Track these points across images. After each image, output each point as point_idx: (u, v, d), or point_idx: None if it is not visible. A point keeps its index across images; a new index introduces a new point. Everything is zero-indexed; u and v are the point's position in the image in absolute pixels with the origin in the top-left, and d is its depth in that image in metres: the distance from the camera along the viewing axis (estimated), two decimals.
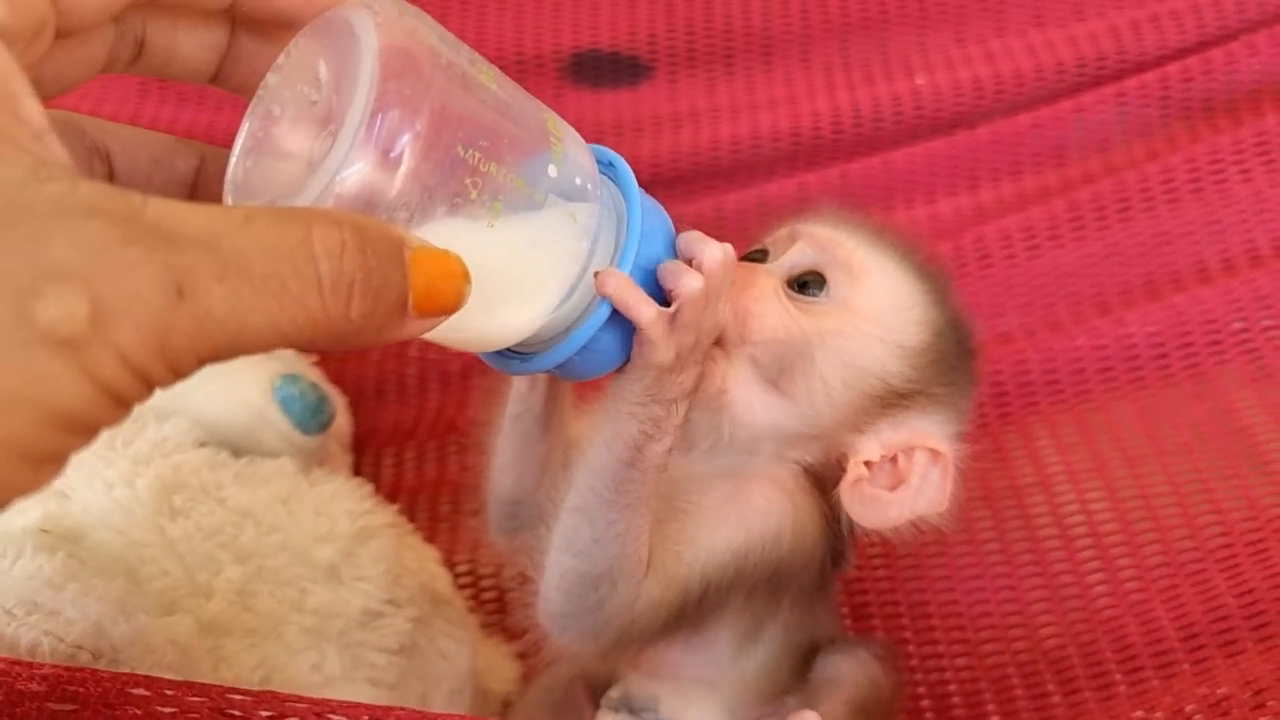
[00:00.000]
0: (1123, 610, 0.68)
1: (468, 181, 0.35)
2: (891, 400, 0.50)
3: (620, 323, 0.41)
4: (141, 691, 0.36)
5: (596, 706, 0.58)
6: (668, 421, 0.44)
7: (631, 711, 0.57)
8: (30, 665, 0.36)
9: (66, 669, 0.37)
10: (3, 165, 0.26)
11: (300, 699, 0.37)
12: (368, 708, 0.37)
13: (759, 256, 0.53)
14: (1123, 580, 0.69)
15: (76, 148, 0.36)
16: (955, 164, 0.88)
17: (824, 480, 0.52)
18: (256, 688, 0.54)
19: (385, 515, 0.64)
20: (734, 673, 0.55)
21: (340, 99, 0.33)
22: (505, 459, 0.53)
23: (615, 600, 0.47)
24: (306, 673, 0.58)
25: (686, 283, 0.41)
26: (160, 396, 0.65)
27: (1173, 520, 0.70)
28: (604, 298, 0.40)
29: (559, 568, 0.47)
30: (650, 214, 0.42)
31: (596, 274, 0.40)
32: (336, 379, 0.78)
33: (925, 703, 0.69)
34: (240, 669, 0.56)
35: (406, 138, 0.33)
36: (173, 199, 0.28)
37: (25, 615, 0.49)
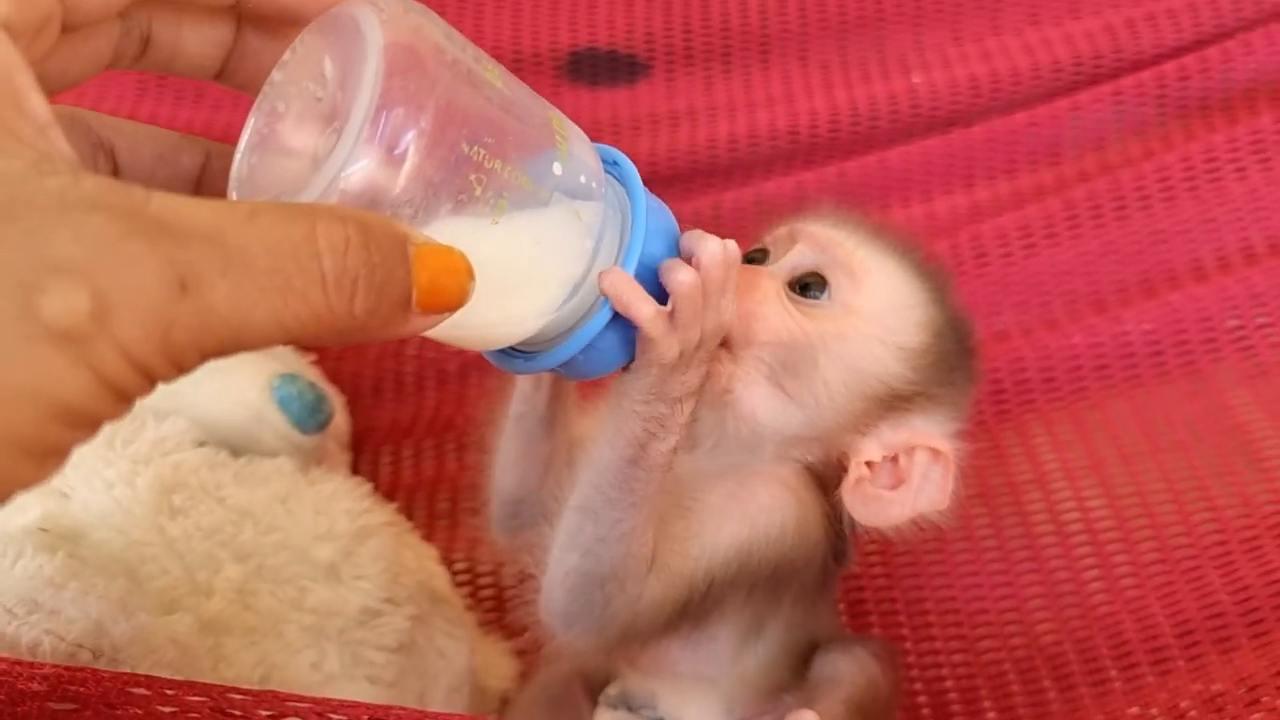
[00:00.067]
0: (1119, 607, 0.68)
1: (472, 178, 0.35)
2: (893, 402, 0.50)
3: (624, 321, 0.41)
4: (142, 691, 0.36)
5: (594, 704, 0.59)
6: (672, 420, 0.44)
7: (630, 709, 0.58)
8: (31, 665, 0.36)
9: (67, 669, 0.37)
10: (6, 158, 0.26)
11: (301, 698, 0.37)
12: (368, 707, 0.37)
13: (759, 256, 0.53)
14: (1119, 577, 0.69)
15: (81, 143, 0.36)
16: (952, 162, 0.88)
17: (825, 479, 0.52)
18: (256, 686, 0.55)
19: (384, 514, 0.64)
20: (734, 670, 0.55)
21: (345, 96, 0.33)
22: (508, 458, 0.53)
23: (619, 598, 0.47)
24: (306, 671, 0.58)
25: (678, 278, 0.41)
26: (159, 396, 0.65)
27: (1168, 517, 0.70)
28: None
29: (562, 566, 0.47)
30: (655, 213, 0.42)
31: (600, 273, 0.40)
32: (334, 377, 0.78)
33: (922, 699, 0.69)
34: (240, 667, 0.56)
35: (411, 134, 0.33)
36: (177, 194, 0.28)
37: (26, 614, 0.49)
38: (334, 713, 0.36)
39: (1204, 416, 0.75)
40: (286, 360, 0.69)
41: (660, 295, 0.41)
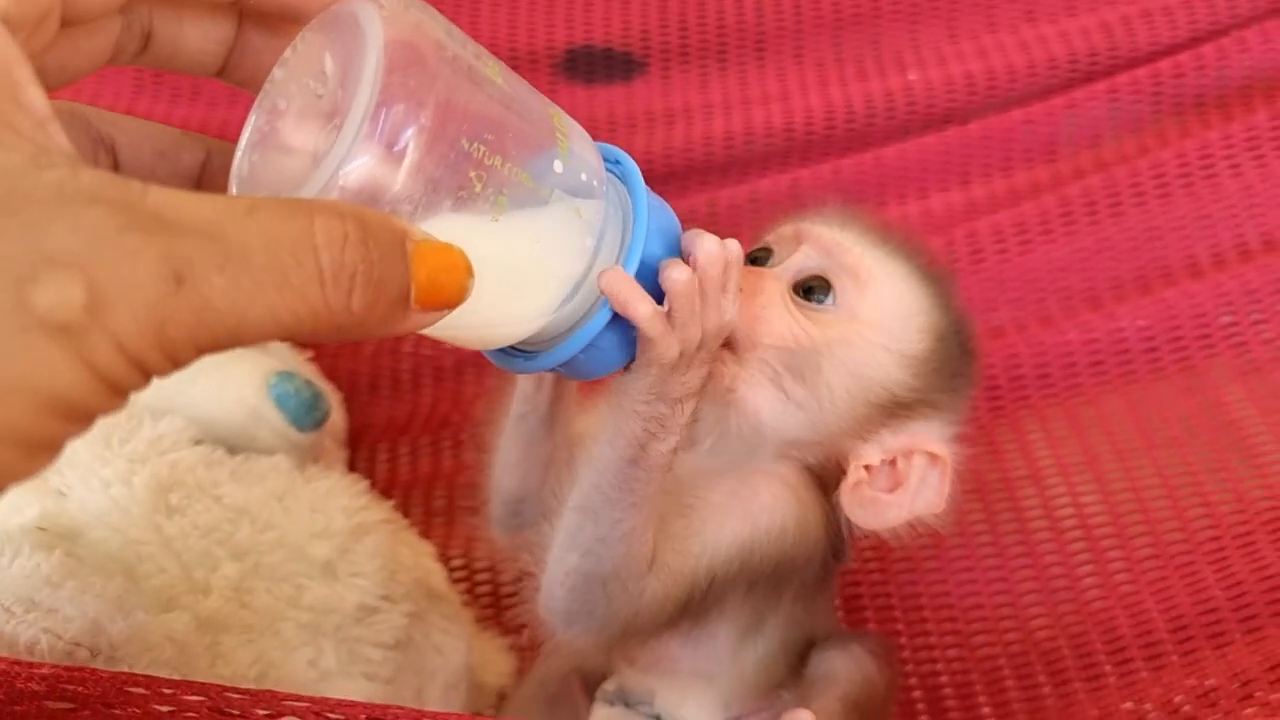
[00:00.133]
0: (1113, 602, 0.68)
1: (472, 175, 0.34)
2: (894, 409, 0.50)
3: (625, 321, 0.40)
4: (140, 690, 0.36)
5: (592, 699, 0.59)
6: (672, 421, 0.44)
7: (627, 704, 0.58)
8: (30, 665, 0.36)
9: (65, 668, 0.36)
10: (4, 151, 0.26)
11: (299, 697, 0.37)
12: (365, 706, 0.37)
13: (762, 255, 0.53)
14: (1113, 572, 0.69)
15: (82, 139, 0.36)
16: (947, 159, 0.89)
17: (824, 479, 0.52)
18: (253, 683, 0.55)
19: (380, 511, 0.64)
20: (732, 667, 0.55)
21: (345, 93, 0.33)
22: (509, 457, 0.53)
23: (619, 597, 0.47)
24: (303, 668, 0.58)
25: (674, 277, 0.40)
26: (155, 395, 0.65)
27: (1162, 513, 0.71)
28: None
29: (562, 566, 0.47)
30: (657, 212, 0.41)
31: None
32: (331, 374, 0.78)
33: (917, 693, 0.69)
34: (237, 665, 0.56)
35: (411, 131, 0.32)
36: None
37: (24, 613, 0.49)
38: (331, 712, 0.36)
39: (1198, 413, 0.75)
40: (283, 357, 0.69)
41: (662, 295, 0.41)
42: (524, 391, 0.52)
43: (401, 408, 0.85)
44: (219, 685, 0.37)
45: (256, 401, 0.63)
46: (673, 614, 0.49)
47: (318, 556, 0.60)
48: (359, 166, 0.32)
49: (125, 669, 0.50)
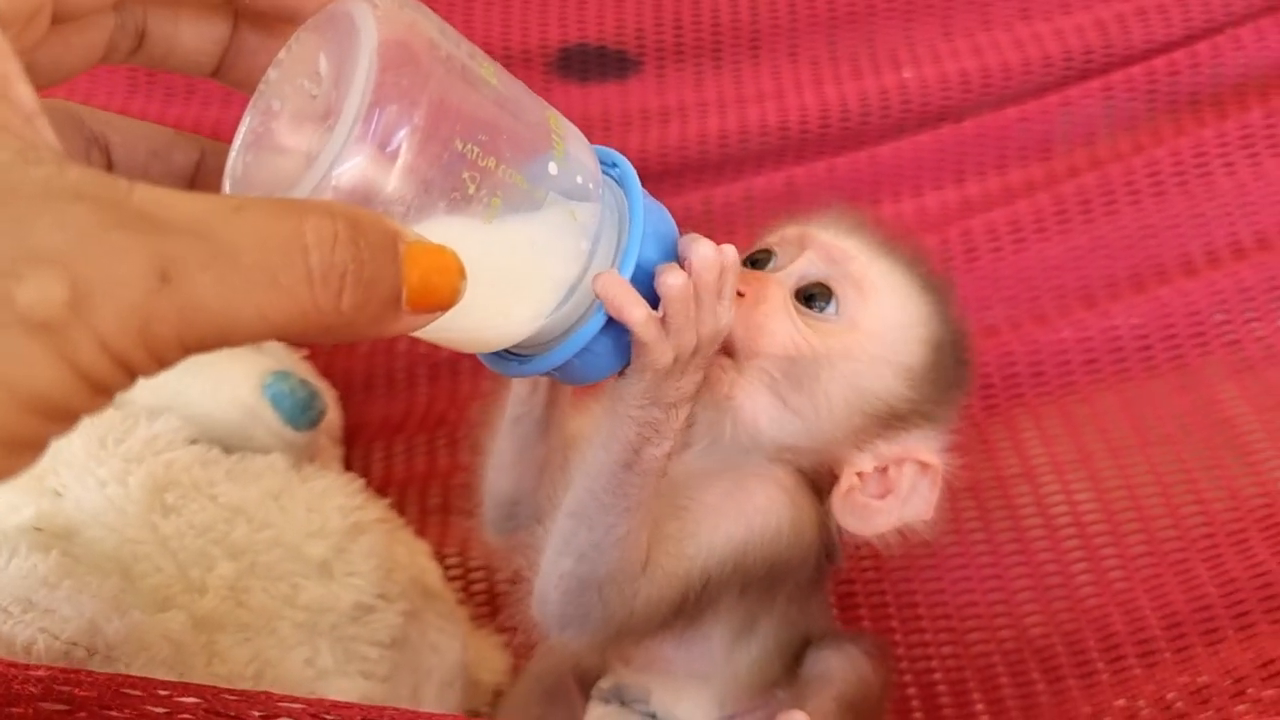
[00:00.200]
0: (1106, 600, 0.68)
1: (465, 176, 0.34)
2: (890, 420, 0.50)
3: (620, 325, 0.40)
4: (135, 692, 0.36)
5: (587, 697, 0.59)
6: (667, 425, 0.43)
7: (623, 702, 0.58)
8: (25, 667, 0.36)
9: (61, 670, 0.37)
10: None
11: (294, 699, 0.37)
12: (361, 708, 0.37)
13: (763, 257, 0.53)
14: (1106, 570, 0.70)
15: (75, 137, 0.36)
16: (942, 158, 0.89)
17: (818, 482, 0.52)
18: (250, 682, 0.55)
19: (376, 510, 0.65)
20: (726, 667, 0.56)
21: (339, 93, 0.33)
22: (503, 460, 0.53)
23: (613, 601, 0.47)
24: (300, 667, 0.58)
25: (668, 282, 0.40)
26: (151, 393, 0.65)
27: (1156, 510, 0.71)
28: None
29: (556, 569, 0.47)
30: (654, 216, 0.41)
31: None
32: (326, 372, 0.78)
33: (911, 690, 0.70)
34: (234, 664, 0.56)
35: (404, 131, 0.32)
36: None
37: (21, 613, 0.49)
38: (327, 714, 0.36)
39: (1192, 411, 0.75)
40: (279, 356, 0.69)
41: (657, 299, 0.41)
42: (519, 394, 0.51)
43: (397, 406, 0.85)
44: (214, 687, 0.37)
45: (252, 400, 0.63)
46: (667, 616, 0.49)
47: (314, 555, 0.60)
48: (352, 167, 0.32)
49: (122, 668, 0.50)
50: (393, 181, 0.32)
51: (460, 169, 0.34)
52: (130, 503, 0.57)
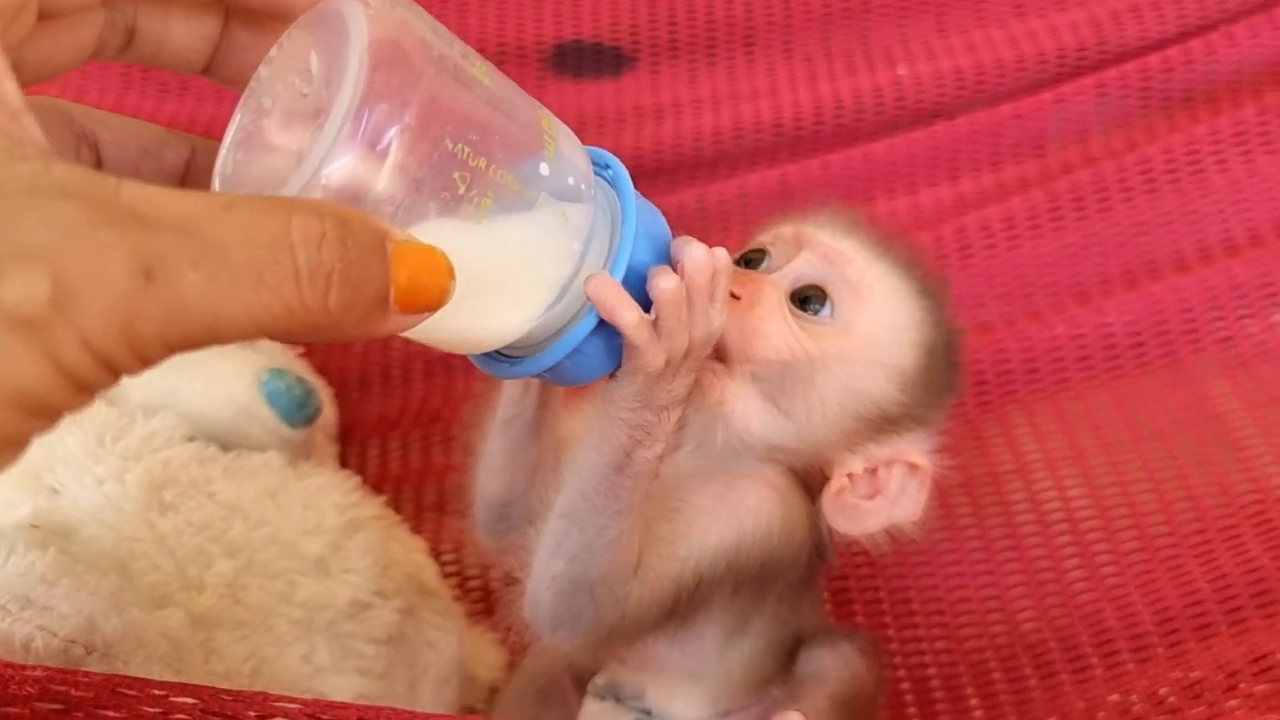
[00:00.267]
0: (1099, 595, 0.69)
1: (456, 176, 0.34)
2: (882, 424, 0.50)
3: (611, 327, 0.40)
4: (131, 692, 0.36)
5: (582, 694, 0.59)
6: (658, 428, 0.43)
7: (618, 699, 0.58)
8: (21, 667, 0.36)
9: (57, 670, 0.37)
10: None
11: (291, 699, 0.37)
12: (357, 708, 0.37)
13: (757, 256, 0.52)
14: (1099, 566, 0.70)
15: (65, 135, 0.36)
16: (936, 154, 0.89)
17: (808, 482, 0.52)
18: (247, 679, 0.55)
19: (372, 508, 0.65)
20: (720, 666, 0.56)
21: (330, 91, 0.33)
22: (495, 462, 0.53)
23: (605, 603, 0.47)
24: (296, 664, 0.58)
25: (661, 285, 0.40)
26: (148, 391, 0.65)
27: (1148, 506, 0.71)
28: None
29: (548, 571, 0.47)
30: (646, 218, 0.41)
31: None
32: (321, 370, 0.78)
33: (905, 685, 0.70)
34: (231, 661, 0.56)
35: (394, 130, 0.32)
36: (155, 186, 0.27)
37: (19, 611, 0.49)
38: (323, 714, 0.36)
39: (1184, 407, 0.76)
40: (274, 354, 0.69)
41: (649, 301, 0.40)
42: (510, 396, 0.51)
43: (392, 403, 0.85)
44: (211, 687, 0.37)
45: (248, 398, 0.63)
46: (659, 617, 0.49)
47: (310, 553, 0.60)
48: (341, 166, 0.32)
49: (120, 666, 0.50)
50: (382, 181, 0.32)
51: (451, 169, 0.34)
52: (128, 500, 0.57)
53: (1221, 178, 0.83)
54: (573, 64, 0.91)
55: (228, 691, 0.36)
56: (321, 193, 0.32)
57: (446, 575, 0.73)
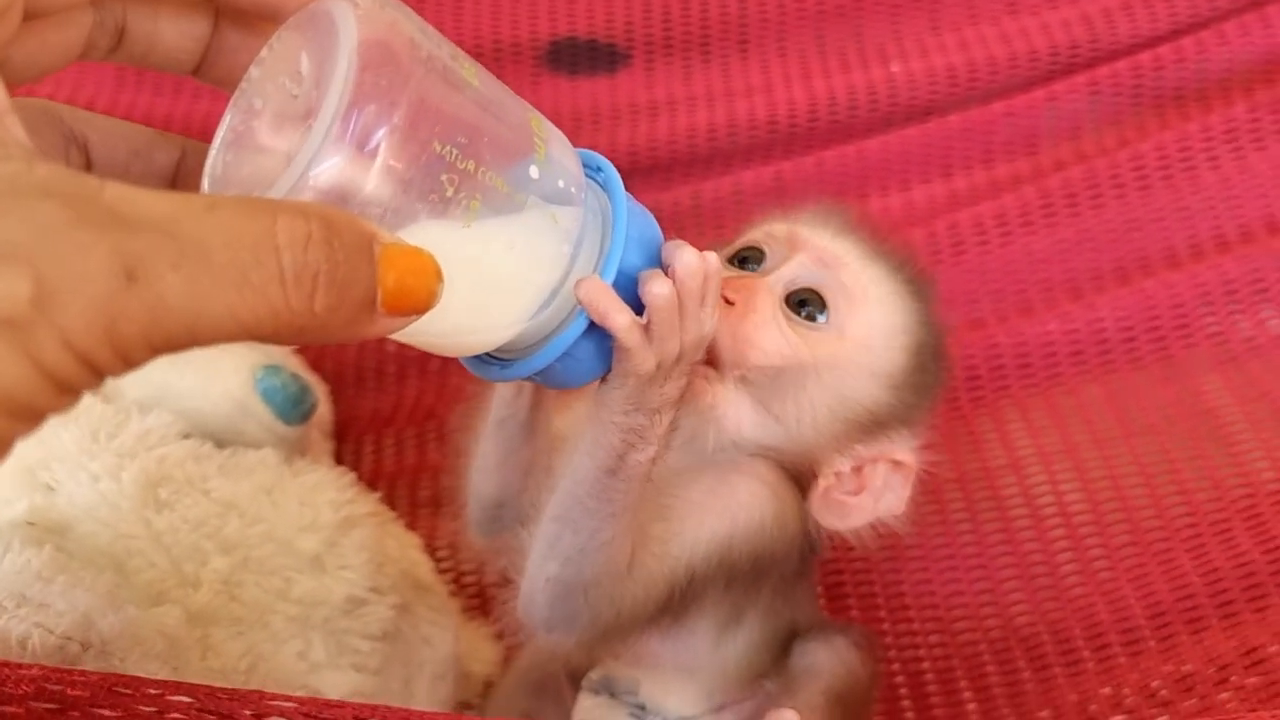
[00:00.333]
0: (1091, 589, 0.69)
1: (444, 179, 0.34)
2: (870, 426, 0.51)
3: (602, 330, 0.40)
4: (127, 691, 0.36)
5: (577, 689, 0.59)
6: (651, 431, 0.43)
7: (612, 694, 0.58)
8: (17, 667, 0.36)
9: (53, 670, 0.36)
10: None
11: (287, 698, 0.36)
12: (354, 707, 0.37)
13: (751, 255, 0.52)
14: (1091, 560, 0.70)
15: (54, 136, 0.36)
16: (929, 152, 0.89)
17: (798, 476, 0.52)
18: (244, 675, 0.55)
19: (367, 504, 0.65)
20: (713, 660, 0.56)
21: (320, 93, 0.32)
22: (488, 463, 0.53)
23: (599, 603, 0.47)
24: (292, 660, 0.58)
25: (653, 290, 0.40)
26: (143, 389, 0.65)
27: (1140, 501, 0.71)
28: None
29: (542, 574, 0.47)
30: (638, 221, 0.40)
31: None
32: (316, 367, 0.78)
33: (899, 680, 0.70)
34: (228, 658, 0.56)
35: (382, 132, 0.32)
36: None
37: (15, 608, 0.49)
38: (320, 713, 0.36)
39: (1176, 402, 0.76)
40: (269, 351, 0.69)
41: (640, 304, 0.40)
42: (503, 397, 0.51)
43: (387, 400, 0.85)
44: (207, 686, 0.37)
45: (244, 395, 0.63)
46: (653, 614, 0.49)
47: (306, 550, 0.60)
48: (329, 167, 0.31)
49: (116, 663, 0.50)
50: (370, 182, 0.32)
51: (439, 171, 0.34)
52: (123, 498, 0.57)
53: (1213, 175, 0.83)
54: (567, 61, 0.91)
55: (224, 690, 0.36)
56: (310, 194, 0.31)
57: (441, 571, 0.73)
